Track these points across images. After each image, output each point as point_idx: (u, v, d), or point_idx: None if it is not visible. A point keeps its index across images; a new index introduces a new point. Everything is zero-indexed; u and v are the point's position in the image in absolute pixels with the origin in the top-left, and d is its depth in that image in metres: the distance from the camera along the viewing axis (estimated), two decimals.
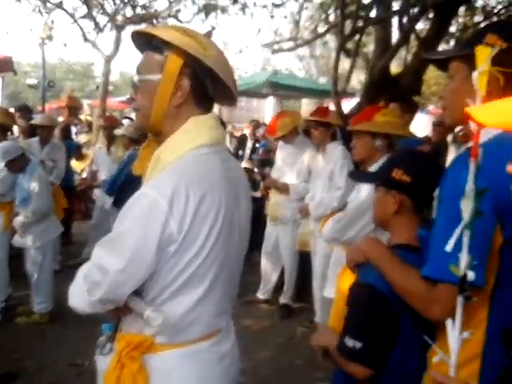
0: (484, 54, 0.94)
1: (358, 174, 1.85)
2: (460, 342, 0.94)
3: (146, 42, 1.28)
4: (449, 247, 0.99)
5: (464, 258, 0.97)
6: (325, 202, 3.68)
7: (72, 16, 9.28)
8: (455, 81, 1.27)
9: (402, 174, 1.45)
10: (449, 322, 0.96)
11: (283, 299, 4.46)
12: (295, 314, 4.41)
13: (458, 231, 0.99)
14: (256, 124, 7.50)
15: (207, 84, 1.26)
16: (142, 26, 10.13)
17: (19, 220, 3.84)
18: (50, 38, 9.32)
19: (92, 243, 5.60)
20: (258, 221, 4.86)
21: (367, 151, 2.78)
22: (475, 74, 0.93)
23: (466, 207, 0.95)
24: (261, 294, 4.64)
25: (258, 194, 5.26)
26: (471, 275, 0.96)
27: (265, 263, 4.60)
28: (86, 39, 9.74)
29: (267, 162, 5.50)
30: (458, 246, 0.99)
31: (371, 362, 1.33)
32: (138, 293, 1.24)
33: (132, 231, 1.17)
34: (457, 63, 1.27)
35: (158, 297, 1.23)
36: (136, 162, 1.41)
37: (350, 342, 1.34)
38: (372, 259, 1.38)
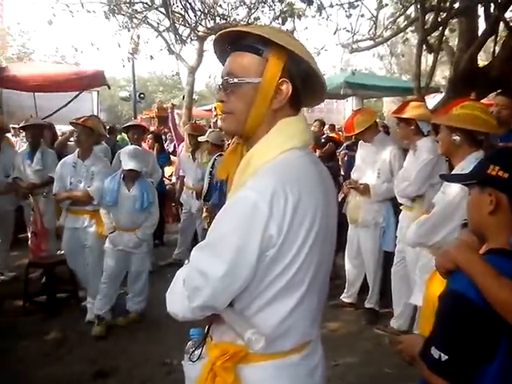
0: None
1: (448, 175, 1.72)
2: None
3: (232, 43, 1.23)
4: None
5: None
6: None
7: (156, 29, 9.72)
8: None
9: (498, 170, 1.32)
10: None
11: (368, 304, 4.36)
12: (381, 318, 4.26)
13: None
14: (321, 123, 7.62)
15: (298, 85, 1.21)
16: None
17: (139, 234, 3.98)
18: (136, 51, 9.79)
19: (181, 245, 5.87)
20: (341, 222, 4.79)
21: (446, 145, 2.69)
22: None
23: None
24: (346, 298, 4.57)
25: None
26: None
27: (349, 267, 4.53)
28: (170, 51, 10.17)
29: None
30: None
31: (456, 377, 1.25)
32: (230, 304, 1.18)
33: (234, 234, 1.11)
34: None
35: (249, 307, 1.19)
36: (220, 166, 1.40)
37: (435, 353, 1.26)
38: (462, 266, 1.29)
